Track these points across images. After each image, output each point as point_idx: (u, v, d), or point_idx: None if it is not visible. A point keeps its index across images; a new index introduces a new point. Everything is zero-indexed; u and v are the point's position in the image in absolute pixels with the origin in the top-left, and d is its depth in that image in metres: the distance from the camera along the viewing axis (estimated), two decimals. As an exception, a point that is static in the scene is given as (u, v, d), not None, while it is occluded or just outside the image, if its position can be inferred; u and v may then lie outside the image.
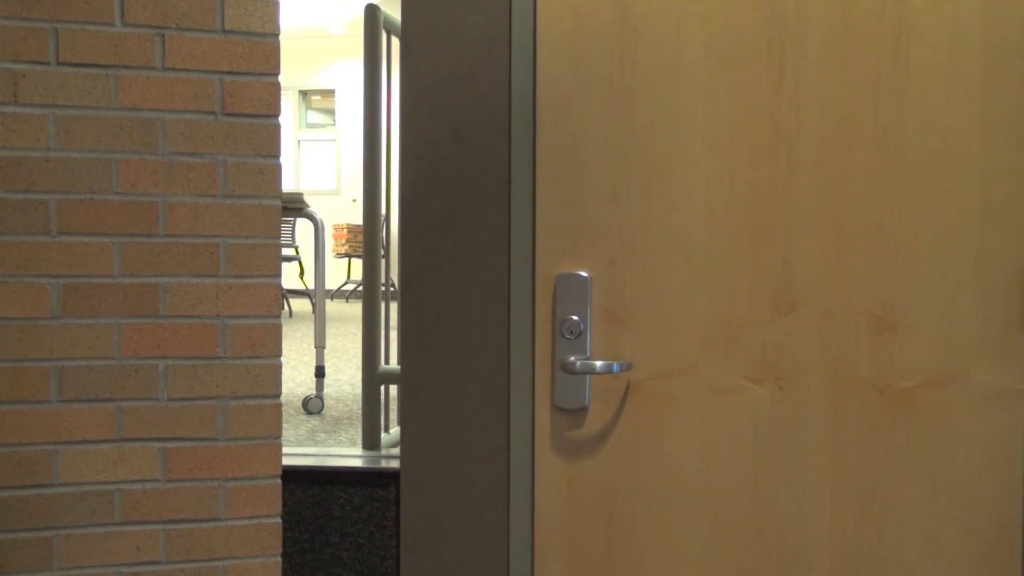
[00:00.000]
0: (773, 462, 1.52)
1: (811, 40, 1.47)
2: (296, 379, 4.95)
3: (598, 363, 1.42)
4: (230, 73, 2.00)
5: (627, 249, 1.49)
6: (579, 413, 1.49)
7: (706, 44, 1.48)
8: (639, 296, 1.49)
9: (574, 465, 1.53)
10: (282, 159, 2.06)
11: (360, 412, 3.39)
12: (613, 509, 1.52)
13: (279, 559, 2.06)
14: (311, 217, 4.49)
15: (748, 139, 1.48)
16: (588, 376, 1.47)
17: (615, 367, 1.41)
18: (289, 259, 7.30)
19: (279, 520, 2.06)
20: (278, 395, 2.06)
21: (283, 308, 7.89)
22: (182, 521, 2.00)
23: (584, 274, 1.49)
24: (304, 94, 11.62)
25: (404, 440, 2.63)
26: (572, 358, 1.45)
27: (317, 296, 4.47)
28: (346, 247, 9.75)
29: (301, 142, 11.65)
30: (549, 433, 1.53)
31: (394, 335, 3.82)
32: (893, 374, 1.51)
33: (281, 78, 2.04)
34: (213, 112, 2.00)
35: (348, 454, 3.34)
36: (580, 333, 1.47)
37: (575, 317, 1.48)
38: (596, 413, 1.50)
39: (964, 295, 1.50)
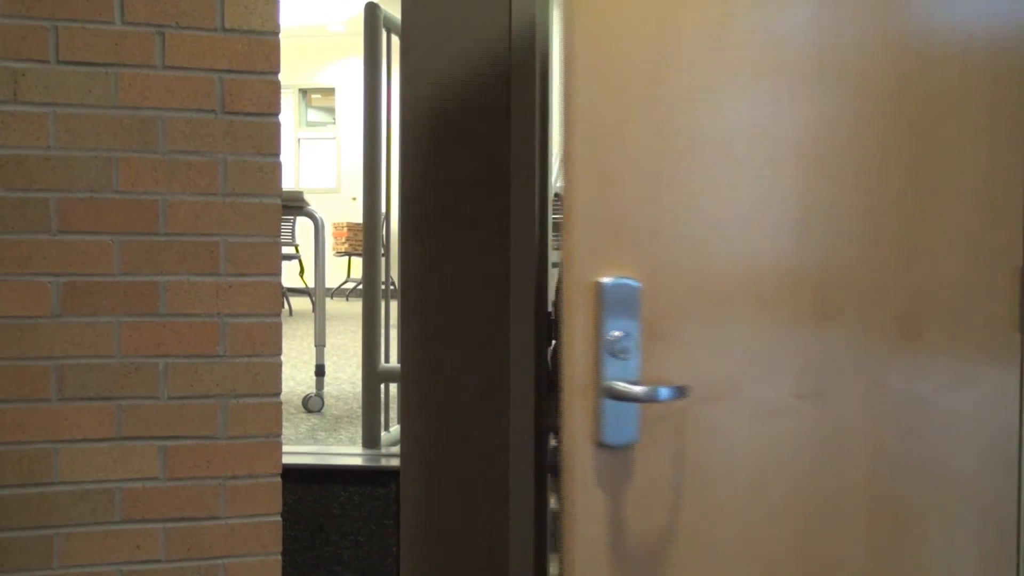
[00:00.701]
0: (817, 490, 1.40)
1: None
2: (296, 377, 4.95)
3: (651, 389, 1.18)
4: (230, 71, 2.00)
5: (672, 249, 1.28)
6: (625, 450, 1.25)
7: (752, 14, 1.33)
8: (683, 305, 1.29)
9: (618, 513, 1.29)
10: (282, 157, 2.06)
11: (360, 410, 3.39)
12: (657, 560, 1.32)
13: (279, 557, 2.06)
14: (311, 215, 4.49)
15: (793, 123, 1.35)
16: (637, 405, 1.24)
17: (667, 393, 1.18)
18: (289, 257, 7.30)
19: (279, 518, 2.06)
20: (278, 393, 2.06)
21: (283, 306, 7.89)
22: (182, 519, 2.00)
23: (633, 282, 1.25)
24: (304, 92, 11.61)
25: (404, 438, 2.63)
26: (618, 384, 1.22)
27: (317, 294, 4.47)
28: (346, 245, 9.75)
29: (301, 140, 11.64)
30: (592, 476, 1.26)
31: (394, 333, 3.82)
32: (916, 381, 1.45)
33: (281, 76, 2.04)
34: (213, 110, 1.99)
35: (348, 452, 3.34)
36: (628, 352, 1.24)
37: (620, 333, 1.25)
38: (643, 449, 1.27)
39: (976, 295, 1.48)
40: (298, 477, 2.85)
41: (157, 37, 1.96)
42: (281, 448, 2.07)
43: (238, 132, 2.00)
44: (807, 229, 1.36)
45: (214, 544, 2.01)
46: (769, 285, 1.34)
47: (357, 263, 10.39)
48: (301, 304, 8.29)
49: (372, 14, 3.22)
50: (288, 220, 7.91)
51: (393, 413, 3.37)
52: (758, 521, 1.36)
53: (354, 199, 11.18)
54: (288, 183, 11.29)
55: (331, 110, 11.68)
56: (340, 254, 9.81)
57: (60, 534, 1.94)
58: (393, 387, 3.35)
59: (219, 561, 2.02)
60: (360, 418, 3.36)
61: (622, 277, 1.24)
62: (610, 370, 1.23)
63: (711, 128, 1.30)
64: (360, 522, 2.94)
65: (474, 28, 2.50)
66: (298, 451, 3.29)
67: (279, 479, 2.06)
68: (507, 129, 2.50)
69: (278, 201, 2.04)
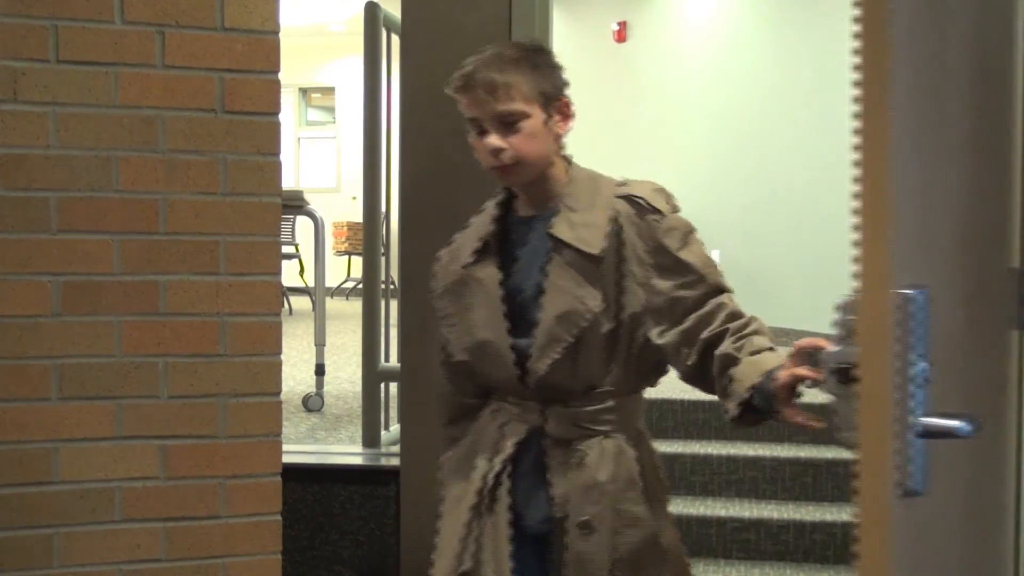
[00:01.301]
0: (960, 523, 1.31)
1: None
2: (296, 377, 4.95)
3: (966, 424, 1.03)
4: (230, 71, 2.00)
5: (955, 256, 1.12)
6: (926, 498, 1.08)
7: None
8: (960, 319, 1.14)
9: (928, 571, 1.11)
10: (282, 156, 2.05)
11: (360, 410, 3.39)
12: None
13: (279, 556, 2.06)
14: (311, 215, 4.49)
15: (964, 114, 1.14)
16: (928, 443, 1.07)
17: (973, 426, 1.03)
18: (289, 257, 7.30)
19: (279, 518, 2.06)
20: (278, 393, 2.05)
21: (283, 306, 7.88)
22: (182, 519, 2.00)
23: (932, 294, 1.08)
24: (304, 91, 11.59)
25: (404, 437, 2.63)
26: (935, 419, 1.06)
27: (317, 294, 4.47)
28: (346, 245, 9.75)
29: (301, 139, 11.62)
30: (906, 531, 1.08)
31: (394, 333, 3.82)
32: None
33: (281, 75, 2.04)
34: (213, 110, 1.99)
35: (348, 452, 3.34)
36: (928, 380, 1.07)
37: (926, 358, 1.07)
38: (938, 494, 1.09)
39: (1003, 292, 1.44)
40: (298, 477, 2.85)
41: (157, 36, 1.96)
42: (281, 447, 2.07)
43: (238, 131, 2.00)
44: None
45: (214, 543, 2.01)
46: (959, 296, 1.19)
47: (357, 262, 10.37)
48: (301, 303, 8.29)
49: (372, 13, 3.22)
50: (288, 219, 7.90)
51: (393, 413, 3.37)
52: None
53: (354, 198, 11.17)
54: (288, 182, 11.27)
55: (331, 109, 11.67)
56: (340, 253, 9.81)
57: (60, 533, 1.94)
58: (393, 386, 3.35)
59: (219, 560, 2.02)
60: (360, 418, 3.36)
61: (925, 288, 1.05)
62: (920, 403, 1.05)
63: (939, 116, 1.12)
64: (360, 521, 2.94)
65: (474, 27, 2.50)
66: (298, 450, 3.29)
67: (279, 478, 2.06)
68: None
69: (278, 200, 2.04)
